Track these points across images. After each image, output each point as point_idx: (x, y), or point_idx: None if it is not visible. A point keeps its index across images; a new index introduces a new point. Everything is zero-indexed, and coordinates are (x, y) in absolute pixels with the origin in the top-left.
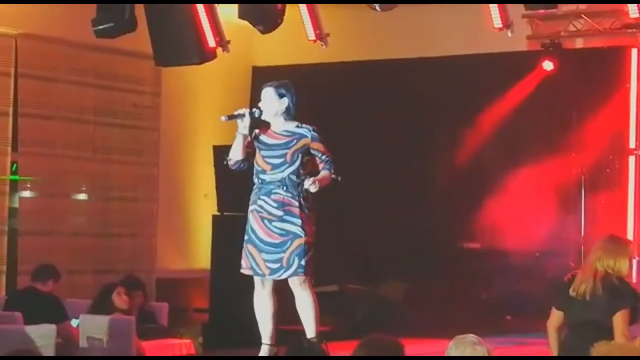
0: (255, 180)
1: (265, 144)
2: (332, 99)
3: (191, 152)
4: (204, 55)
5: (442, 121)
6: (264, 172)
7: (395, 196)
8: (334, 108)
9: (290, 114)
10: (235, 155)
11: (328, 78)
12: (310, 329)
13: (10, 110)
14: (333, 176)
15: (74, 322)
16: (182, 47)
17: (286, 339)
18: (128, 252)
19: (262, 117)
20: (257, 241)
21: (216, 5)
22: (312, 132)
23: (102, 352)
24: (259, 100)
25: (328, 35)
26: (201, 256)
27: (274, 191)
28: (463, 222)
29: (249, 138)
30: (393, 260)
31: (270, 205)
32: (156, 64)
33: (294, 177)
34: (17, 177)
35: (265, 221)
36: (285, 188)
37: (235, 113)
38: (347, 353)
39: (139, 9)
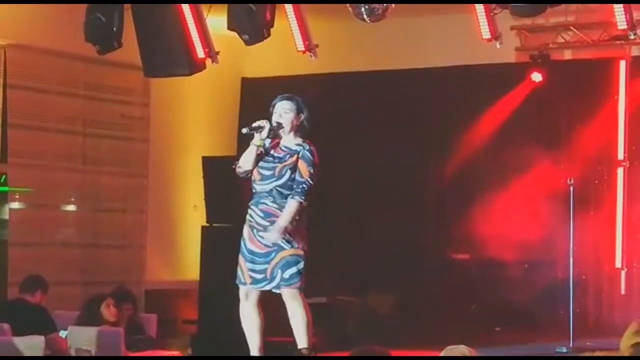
0: (252, 189)
1: (270, 155)
2: (321, 110)
3: (180, 163)
4: (193, 67)
5: (431, 132)
6: (255, 180)
7: (385, 207)
8: (322, 119)
9: (302, 130)
10: (246, 164)
11: (317, 89)
12: (301, 341)
13: None
14: (299, 200)
15: (62, 334)
16: (171, 58)
17: (276, 351)
18: (117, 263)
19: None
20: (244, 250)
21: (205, 16)
22: (304, 151)
23: None
24: (249, 111)
25: (317, 46)
26: (190, 267)
27: (261, 201)
28: (452, 233)
29: (262, 149)
30: (382, 272)
31: (258, 215)
32: (145, 75)
33: (280, 190)
34: (6, 188)
35: (254, 230)
36: (272, 199)
37: (255, 125)
38: None
39: (128, 20)
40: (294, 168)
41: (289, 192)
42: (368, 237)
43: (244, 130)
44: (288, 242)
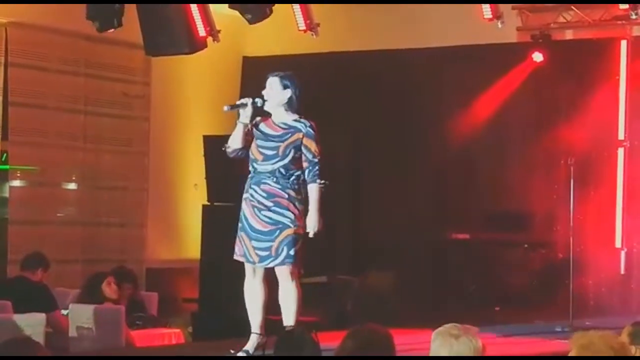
0: (250, 168)
1: (263, 134)
2: (322, 89)
3: (181, 142)
4: (194, 45)
5: (432, 112)
6: (256, 161)
7: (384, 187)
8: (323, 98)
9: (292, 106)
10: (235, 143)
11: (318, 68)
12: (290, 319)
13: (0, 99)
14: (320, 183)
15: (64, 311)
16: (172, 37)
17: (275, 329)
18: (117, 241)
19: (265, 107)
20: (248, 228)
21: None
22: (308, 128)
23: (92, 341)
24: (250, 90)
25: (318, 25)
26: (191, 246)
27: (263, 181)
28: (452, 213)
29: (249, 127)
30: (382, 251)
31: (260, 195)
32: (146, 54)
33: (283, 171)
34: (7, 166)
35: (256, 209)
36: (274, 179)
37: (238, 103)
38: (335, 343)
39: None
40: (298, 146)
41: (291, 172)
42: (367, 217)
43: (225, 108)
44: (292, 220)
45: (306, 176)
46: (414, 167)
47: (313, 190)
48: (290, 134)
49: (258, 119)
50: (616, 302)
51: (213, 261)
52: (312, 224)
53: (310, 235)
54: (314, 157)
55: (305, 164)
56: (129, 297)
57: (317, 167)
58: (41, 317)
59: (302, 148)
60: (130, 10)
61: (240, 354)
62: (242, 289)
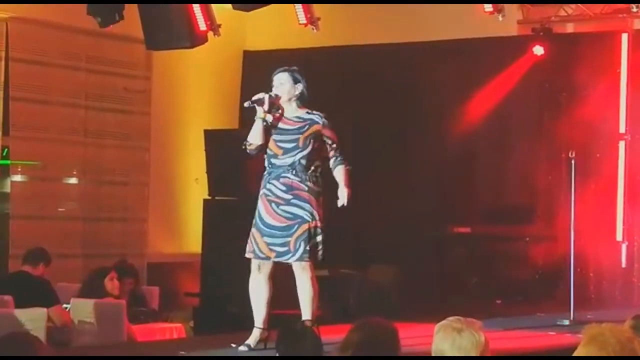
0: (266, 164)
1: (279, 129)
2: (323, 84)
3: (182, 136)
4: (195, 39)
5: (433, 105)
6: (275, 156)
7: (386, 180)
8: (324, 92)
9: (303, 100)
10: (256, 140)
11: (319, 62)
12: (307, 312)
13: (1, 94)
14: (347, 167)
15: (65, 306)
16: (173, 31)
17: (278, 323)
18: (119, 236)
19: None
20: (261, 225)
21: None
22: (324, 119)
23: (93, 336)
24: (251, 84)
25: (319, 19)
26: (192, 240)
27: (282, 175)
28: (454, 206)
29: (267, 122)
30: (384, 245)
31: (279, 189)
32: (147, 48)
33: (304, 162)
34: (8, 161)
35: (273, 204)
36: (294, 172)
37: (255, 98)
38: (338, 336)
39: None
40: (317, 138)
41: (311, 163)
42: (370, 210)
43: (246, 104)
44: (311, 214)
45: (333, 163)
46: (415, 161)
47: (342, 171)
48: (307, 126)
49: (269, 116)
50: (617, 295)
51: (214, 255)
52: (344, 194)
53: (340, 205)
54: (337, 144)
55: (331, 153)
56: (130, 291)
57: (341, 154)
58: (42, 311)
59: (325, 139)
60: (131, 4)
61: (241, 347)
62: (244, 283)
